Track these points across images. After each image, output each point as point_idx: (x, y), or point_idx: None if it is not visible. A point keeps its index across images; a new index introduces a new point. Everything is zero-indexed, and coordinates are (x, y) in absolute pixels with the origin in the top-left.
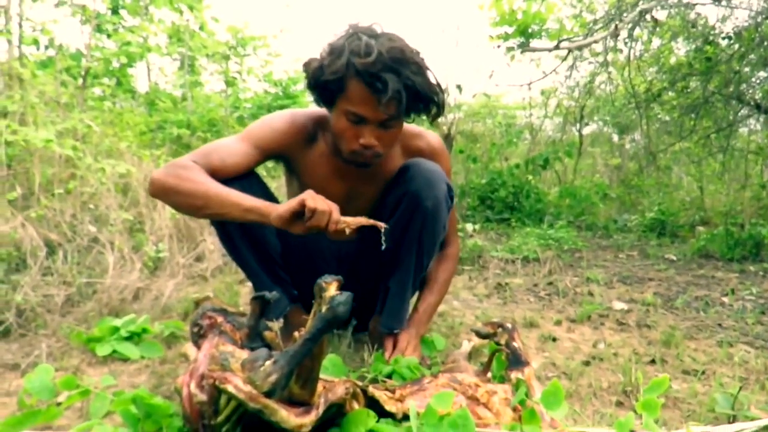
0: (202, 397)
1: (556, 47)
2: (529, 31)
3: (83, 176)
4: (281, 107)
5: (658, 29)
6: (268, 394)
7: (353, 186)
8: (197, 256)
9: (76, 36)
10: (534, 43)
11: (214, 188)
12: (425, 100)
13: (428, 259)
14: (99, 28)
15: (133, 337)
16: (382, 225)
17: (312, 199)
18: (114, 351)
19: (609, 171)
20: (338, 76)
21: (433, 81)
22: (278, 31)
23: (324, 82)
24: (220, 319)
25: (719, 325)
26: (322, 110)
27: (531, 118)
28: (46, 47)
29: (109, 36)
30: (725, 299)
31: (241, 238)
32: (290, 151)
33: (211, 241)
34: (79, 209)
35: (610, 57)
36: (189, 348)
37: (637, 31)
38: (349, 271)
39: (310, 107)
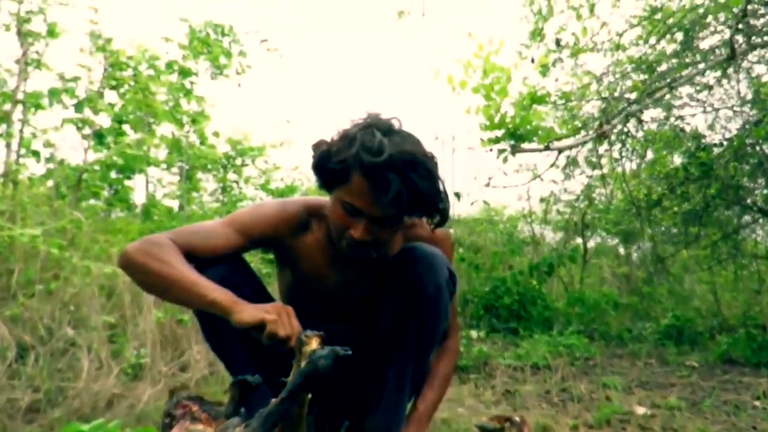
0: None
1: (546, 148)
2: (519, 133)
3: (67, 277)
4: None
5: (642, 131)
6: None
7: (351, 275)
8: (182, 365)
9: (77, 149)
10: (524, 145)
11: (182, 273)
12: (428, 206)
13: (429, 351)
14: (101, 141)
15: None
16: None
17: (273, 322)
18: None
19: (617, 280)
20: (344, 166)
21: (440, 188)
22: (278, 143)
23: (329, 168)
24: (195, 407)
25: (754, 428)
26: (317, 199)
27: (532, 226)
28: (47, 159)
29: (109, 148)
30: (757, 403)
31: (229, 326)
32: (281, 239)
33: (197, 350)
34: (58, 310)
35: (604, 162)
36: None
37: (625, 133)
38: (342, 367)
39: (302, 197)
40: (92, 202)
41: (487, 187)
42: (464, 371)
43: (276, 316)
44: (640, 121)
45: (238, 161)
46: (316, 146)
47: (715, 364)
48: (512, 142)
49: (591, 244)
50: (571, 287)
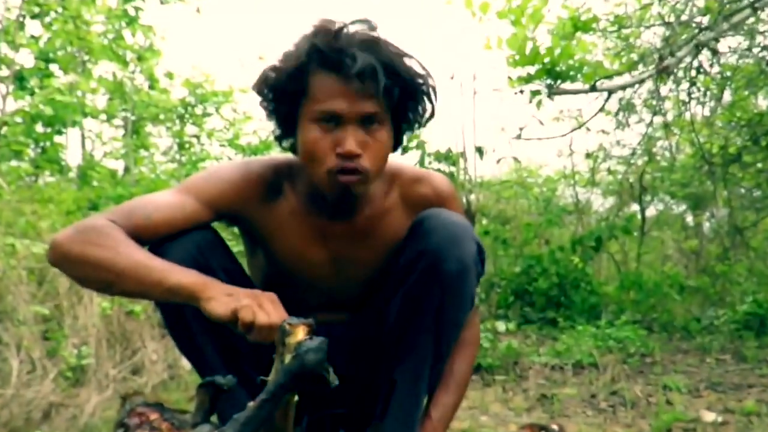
0: None
1: (593, 89)
2: (558, 69)
3: None
4: None
5: (718, 66)
6: None
7: (340, 250)
8: (134, 367)
9: None
10: (565, 86)
11: (131, 258)
12: (410, 84)
13: (449, 344)
14: (22, 85)
15: None
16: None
17: (248, 309)
18: None
19: (684, 257)
20: (298, 66)
21: (418, 62)
22: (247, 85)
23: (282, 84)
24: (154, 416)
25: None
26: (284, 157)
27: (575, 189)
28: None
29: (32, 94)
30: None
31: (196, 315)
32: (247, 210)
33: (153, 349)
34: None
35: (668, 106)
36: None
37: (696, 68)
38: (341, 369)
39: (265, 156)
40: (14, 163)
41: (517, 140)
42: (489, 372)
43: (253, 300)
44: (714, 53)
45: (199, 110)
46: (257, 80)
47: None
48: (549, 81)
49: (651, 212)
50: (625, 267)
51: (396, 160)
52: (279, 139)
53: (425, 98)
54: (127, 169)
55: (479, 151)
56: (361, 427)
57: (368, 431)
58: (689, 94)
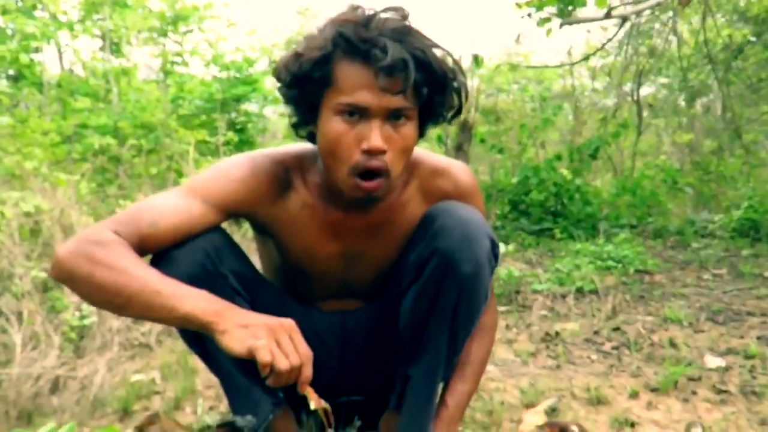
0: None
1: (608, 15)
2: None
3: None
4: (237, 99)
5: None
6: None
7: (353, 245)
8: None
9: None
10: (578, 13)
11: (141, 281)
12: (440, 80)
13: (464, 340)
14: None
15: None
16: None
17: (266, 350)
18: None
19: (678, 151)
20: (323, 54)
21: (448, 53)
22: None
23: (304, 74)
24: None
25: None
26: (289, 149)
27: (572, 82)
28: None
29: (4, 13)
30: None
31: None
32: (257, 208)
33: None
34: None
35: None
36: None
37: None
38: (356, 357)
39: (270, 149)
40: None
41: (516, 45)
42: None
43: (269, 339)
44: None
45: (182, 30)
46: (278, 64)
47: None
48: (560, 7)
49: (645, 92)
50: (621, 166)
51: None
52: (296, 126)
53: (454, 94)
54: (108, 91)
55: (476, 60)
56: (377, 415)
57: (383, 419)
58: None
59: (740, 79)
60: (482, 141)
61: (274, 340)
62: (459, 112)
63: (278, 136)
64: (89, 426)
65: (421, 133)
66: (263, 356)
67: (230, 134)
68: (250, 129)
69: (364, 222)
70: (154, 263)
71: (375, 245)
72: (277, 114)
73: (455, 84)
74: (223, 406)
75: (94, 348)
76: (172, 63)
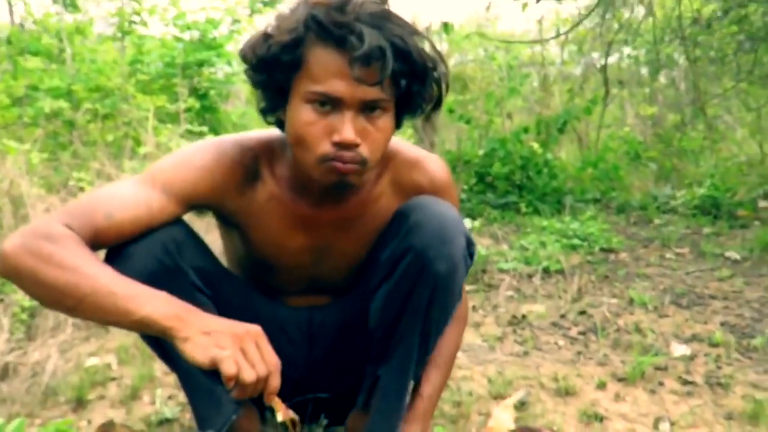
0: None
1: None
2: None
3: None
4: (200, 64)
5: None
6: None
7: (322, 239)
8: None
9: None
10: None
11: (95, 281)
12: (420, 70)
13: (436, 339)
14: None
15: None
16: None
17: (231, 361)
18: None
19: (641, 123)
20: (294, 37)
21: (427, 41)
22: None
23: (272, 57)
24: None
25: None
26: (258, 135)
27: (540, 50)
28: None
29: None
30: None
31: None
32: (222, 199)
33: None
34: None
35: None
36: None
37: None
38: (324, 353)
39: (237, 135)
40: None
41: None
42: None
43: (234, 349)
44: None
45: None
46: (244, 46)
47: (761, 257)
48: None
49: (611, 60)
50: (587, 138)
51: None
52: (264, 112)
53: (434, 85)
54: (61, 50)
55: (446, 27)
56: (343, 412)
57: (350, 417)
58: None
59: (706, 54)
60: (451, 111)
61: (239, 349)
62: (439, 103)
63: (241, 98)
64: (41, 417)
65: (398, 125)
66: (228, 368)
67: (192, 101)
68: (214, 95)
69: (334, 216)
70: (109, 259)
71: (345, 240)
72: (240, 80)
73: (435, 74)
74: (183, 395)
75: (47, 329)
76: (131, 22)
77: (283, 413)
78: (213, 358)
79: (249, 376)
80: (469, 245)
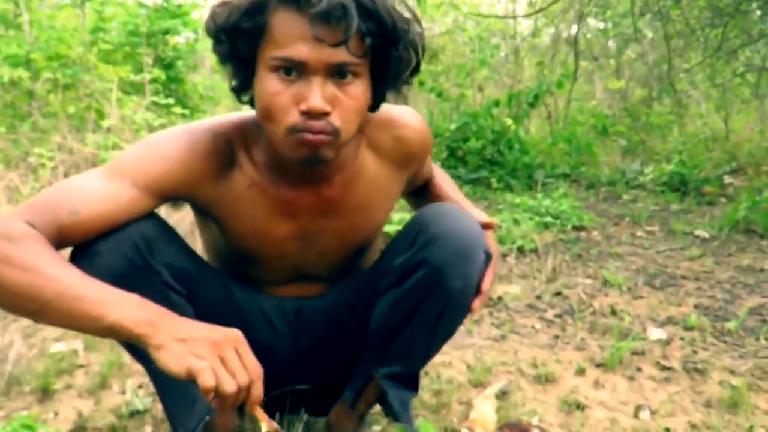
0: None
1: None
2: None
3: None
4: (165, 32)
5: None
6: None
7: (309, 223)
8: None
9: None
10: None
11: (59, 284)
12: (390, 30)
13: (437, 349)
14: None
15: None
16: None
17: (208, 372)
18: None
19: (609, 97)
20: (255, 2)
21: (401, 6)
22: None
23: (232, 25)
24: None
25: None
26: (230, 119)
27: (512, 23)
28: None
29: None
30: None
31: None
32: (197, 190)
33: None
34: None
35: None
36: None
37: None
38: (309, 346)
39: (208, 119)
40: None
41: None
42: None
43: (212, 357)
44: None
45: None
46: (208, 17)
47: (730, 235)
48: None
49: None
50: (556, 113)
51: None
52: (236, 91)
53: (409, 47)
54: (17, 15)
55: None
56: (325, 402)
57: (334, 410)
58: None
59: (674, 28)
60: (422, 84)
61: (218, 357)
62: (417, 69)
63: (206, 65)
64: (5, 408)
65: (379, 97)
66: (206, 381)
67: (157, 71)
68: (180, 66)
69: (318, 198)
70: (75, 258)
71: (332, 223)
72: (206, 49)
73: (409, 35)
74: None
75: (8, 317)
76: None
77: (267, 424)
78: (189, 368)
79: (230, 386)
80: (487, 258)
